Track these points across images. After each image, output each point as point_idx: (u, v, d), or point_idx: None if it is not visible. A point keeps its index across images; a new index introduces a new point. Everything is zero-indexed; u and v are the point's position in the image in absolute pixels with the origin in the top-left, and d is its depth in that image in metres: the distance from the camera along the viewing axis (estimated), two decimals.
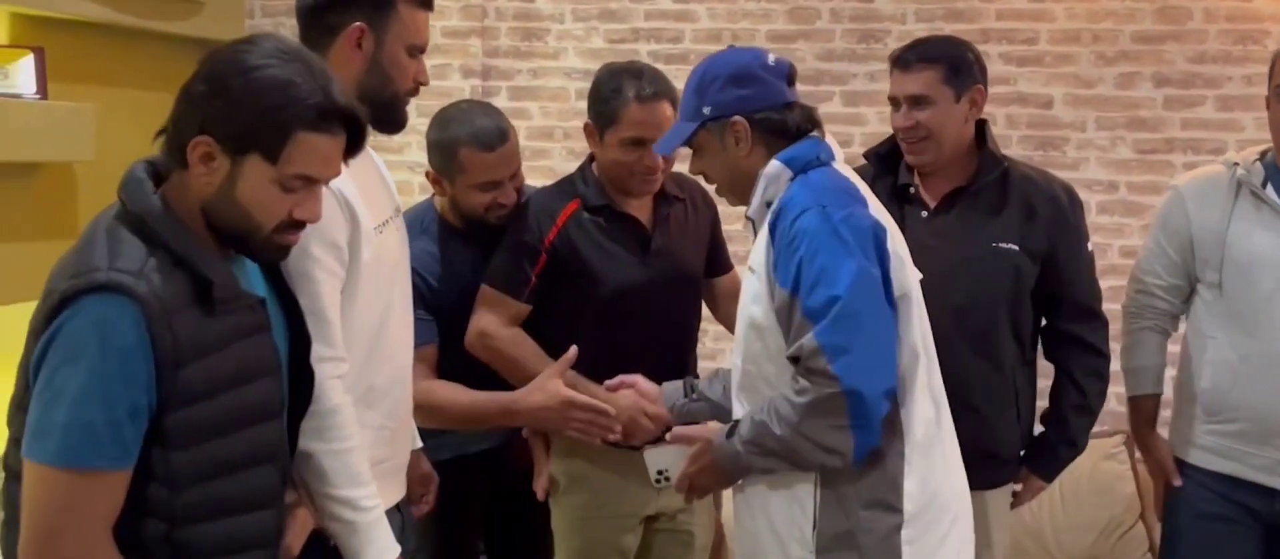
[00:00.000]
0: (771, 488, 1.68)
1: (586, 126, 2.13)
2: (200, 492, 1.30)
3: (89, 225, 1.33)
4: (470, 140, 2.09)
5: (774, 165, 1.69)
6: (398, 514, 1.79)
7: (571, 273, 2.11)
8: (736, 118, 1.71)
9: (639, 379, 2.02)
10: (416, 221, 2.17)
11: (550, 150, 3.49)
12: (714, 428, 1.77)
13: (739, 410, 1.76)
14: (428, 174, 2.19)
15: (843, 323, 1.55)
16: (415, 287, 2.00)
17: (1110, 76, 3.25)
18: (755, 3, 3.43)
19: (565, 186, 2.19)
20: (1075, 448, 2.21)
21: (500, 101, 3.33)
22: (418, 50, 1.72)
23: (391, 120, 1.73)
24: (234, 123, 1.29)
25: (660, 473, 1.83)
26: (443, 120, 2.16)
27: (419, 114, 3.35)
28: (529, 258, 2.11)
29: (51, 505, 1.22)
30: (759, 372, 1.70)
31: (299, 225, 1.37)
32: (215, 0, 3.26)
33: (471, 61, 3.55)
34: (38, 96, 2.56)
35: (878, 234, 1.64)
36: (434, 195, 2.25)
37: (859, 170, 2.28)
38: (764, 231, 1.67)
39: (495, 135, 2.11)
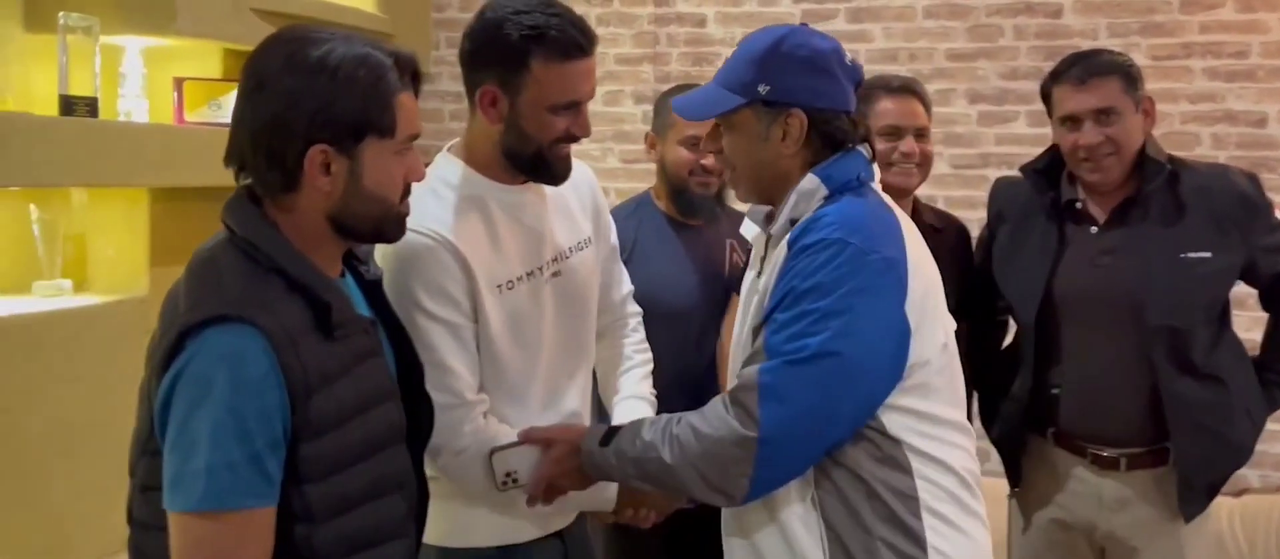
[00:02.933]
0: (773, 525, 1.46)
1: None
2: (337, 527, 1.23)
3: (197, 256, 1.26)
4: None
5: (810, 181, 1.45)
6: (560, 542, 1.75)
7: None
8: (796, 109, 1.45)
9: (554, 434, 1.64)
10: (631, 212, 2.28)
11: None
12: (578, 430, 1.61)
13: None
14: (646, 137, 2.35)
15: (804, 373, 1.34)
16: (648, 294, 2.03)
17: None
18: (934, 21, 3.32)
19: None
20: None
21: None
22: (565, 107, 1.57)
23: (543, 173, 1.62)
24: (344, 118, 1.22)
25: (508, 475, 1.59)
26: (668, 90, 2.34)
27: (592, 140, 3.39)
28: None
29: (205, 554, 1.15)
30: None
31: (408, 190, 1.32)
32: (404, 34, 3.43)
33: (643, 87, 3.60)
34: None
35: (901, 277, 1.39)
36: (650, 189, 2.35)
37: (1013, 186, 2.18)
38: (783, 251, 1.43)
39: None
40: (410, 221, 1.43)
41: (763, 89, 1.45)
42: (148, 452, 1.22)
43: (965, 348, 1.74)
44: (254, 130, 1.22)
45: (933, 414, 1.42)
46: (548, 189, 1.68)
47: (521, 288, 1.63)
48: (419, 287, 1.52)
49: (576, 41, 1.53)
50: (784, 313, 1.37)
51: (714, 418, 1.41)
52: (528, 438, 1.59)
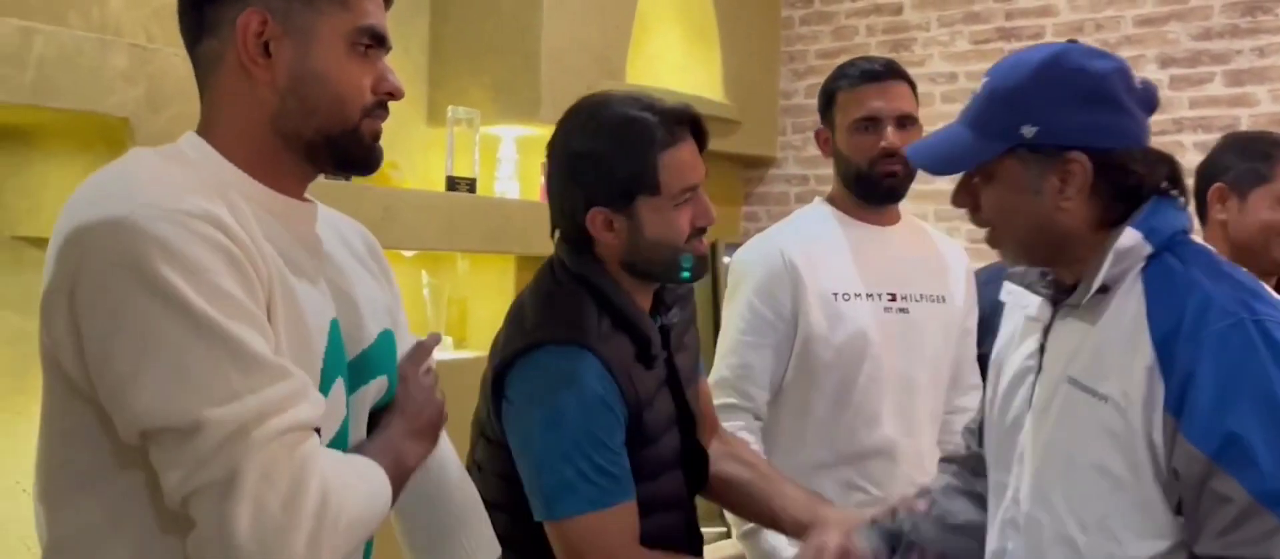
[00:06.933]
0: None
1: (1217, 190, 1.89)
2: (647, 525, 1.37)
3: (537, 289, 1.42)
4: None
5: (1131, 236, 1.17)
6: None
7: None
8: (1077, 153, 1.17)
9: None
10: (992, 278, 2.28)
11: None
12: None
13: None
14: None
15: None
16: None
17: None
18: None
19: None
20: None
21: None
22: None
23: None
24: (611, 184, 1.36)
25: None
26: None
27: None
28: None
29: (598, 548, 1.31)
30: (1102, 548, 1.18)
31: (700, 231, 1.40)
32: (751, 121, 3.62)
33: None
34: None
35: None
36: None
37: None
38: (1143, 348, 1.14)
39: None
40: (765, 243, 1.88)
41: (1027, 130, 1.17)
42: (483, 436, 1.45)
43: None
44: (551, 196, 1.44)
45: None
46: (907, 240, 1.95)
47: (857, 304, 1.85)
48: (750, 289, 1.84)
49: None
50: (1263, 448, 1.07)
51: None
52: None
